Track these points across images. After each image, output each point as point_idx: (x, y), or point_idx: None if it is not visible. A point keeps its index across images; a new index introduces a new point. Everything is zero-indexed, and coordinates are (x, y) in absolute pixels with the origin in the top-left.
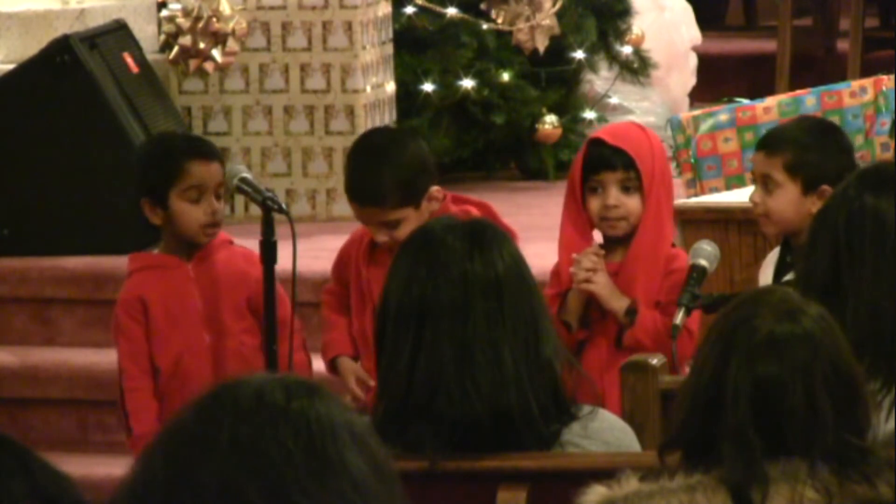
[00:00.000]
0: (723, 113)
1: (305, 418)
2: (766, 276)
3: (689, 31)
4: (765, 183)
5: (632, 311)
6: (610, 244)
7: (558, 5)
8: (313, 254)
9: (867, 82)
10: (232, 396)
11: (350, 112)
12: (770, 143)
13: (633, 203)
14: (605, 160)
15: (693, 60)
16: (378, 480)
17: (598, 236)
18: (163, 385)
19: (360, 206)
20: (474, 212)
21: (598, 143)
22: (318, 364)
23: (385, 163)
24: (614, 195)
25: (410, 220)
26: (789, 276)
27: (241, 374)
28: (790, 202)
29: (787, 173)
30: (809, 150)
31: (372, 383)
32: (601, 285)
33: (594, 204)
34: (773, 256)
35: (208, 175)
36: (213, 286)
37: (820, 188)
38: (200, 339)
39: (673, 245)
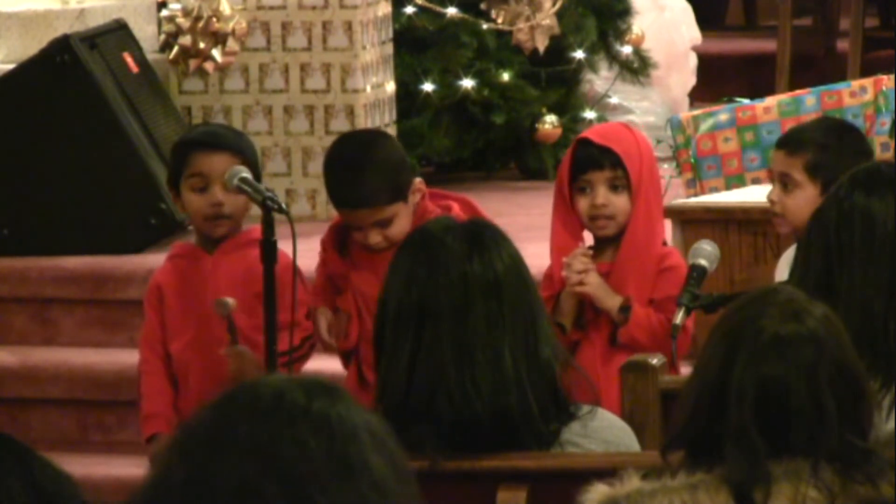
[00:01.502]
0: (723, 113)
1: (326, 419)
2: (781, 275)
3: (689, 31)
4: (783, 182)
5: (626, 308)
6: (600, 244)
7: (558, 5)
8: (313, 254)
9: (867, 82)
10: (250, 396)
11: (350, 112)
12: (791, 142)
13: (621, 202)
14: (593, 160)
15: (693, 60)
16: (397, 481)
17: (588, 237)
18: (173, 373)
19: (351, 210)
20: (455, 206)
21: (585, 143)
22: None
23: (369, 163)
24: (603, 194)
25: (402, 216)
26: None
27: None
28: (808, 202)
29: (807, 173)
30: (830, 151)
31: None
32: (594, 286)
33: (583, 204)
34: (789, 255)
35: (210, 165)
36: (228, 281)
37: None
38: (208, 331)
39: (664, 243)
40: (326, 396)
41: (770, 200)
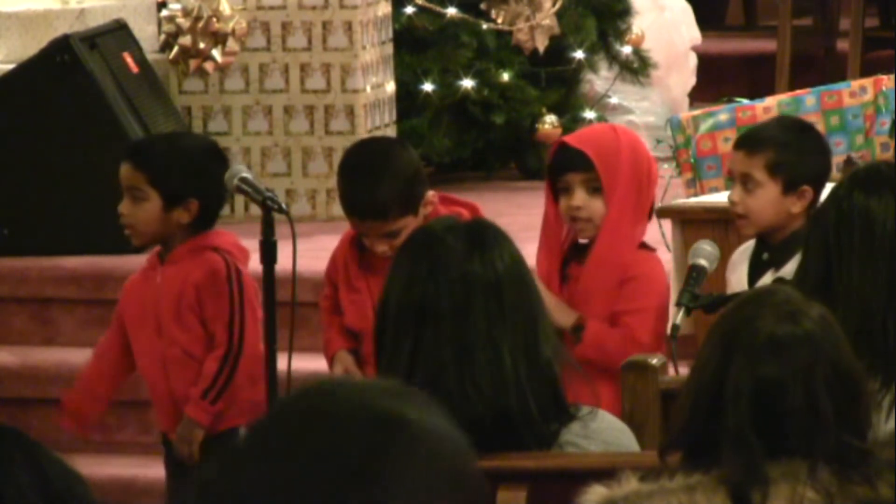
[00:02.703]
0: (723, 113)
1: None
2: (739, 274)
3: (689, 31)
4: (744, 182)
5: (579, 328)
6: (584, 247)
7: (558, 5)
8: (313, 254)
9: (867, 82)
10: (328, 403)
11: (350, 112)
12: (751, 142)
13: (598, 205)
14: (568, 162)
15: (693, 60)
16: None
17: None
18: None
19: (360, 220)
20: (464, 213)
21: (563, 145)
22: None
23: (383, 176)
24: (579, 196)
25: (411, 228)
26: (768, 276)
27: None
28: (770, 202)
29: (768, 173)
30: (790, 149)
31: (359, 375)
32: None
33: (563, 205)
34: (743, 254)
35: (121, 175)
36: (168, 292)
37: (800, 188)
38: (153, 342)
39: (646, 247)
40: (414, 402)
41: (731, 202)
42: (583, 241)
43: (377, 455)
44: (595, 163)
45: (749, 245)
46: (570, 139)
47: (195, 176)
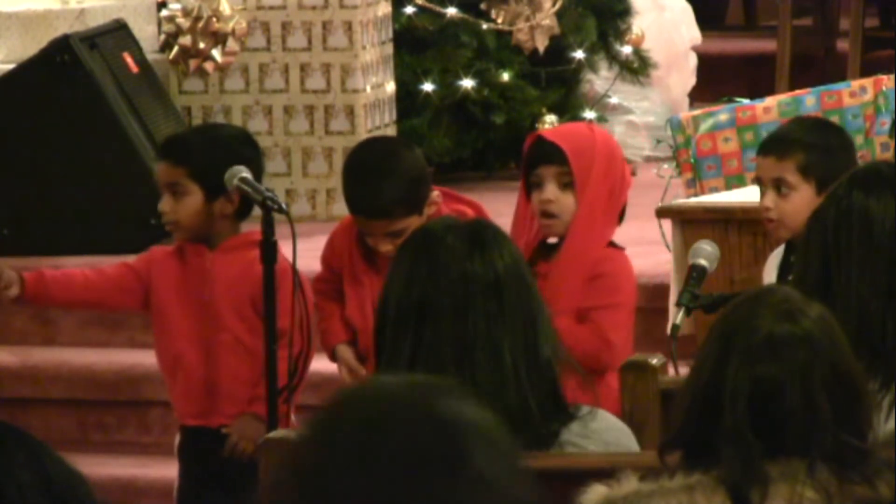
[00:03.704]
0: (723, 113)
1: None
2: (770, 277)
3: (689, 31)
4: (777, 187)
5: None
6: (553, 245)
7: (558, 5)
8: (313, 254)
9: (867, 82)
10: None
11: (350, 112)
12: (779, 146)
13: (568, 200)
14: (542, 154)
15: (693, 60)
16: (508, 479)
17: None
18: (168, 367)
19: (365, 219)
20: (468, 212)
21: (538, 139)
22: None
23: (388, 177)
24: (550, 190)
25: (414, 227)
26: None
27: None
28: (806, 203)
29: (801, 175)
30: (818, 149)
31: (363, 372)
32: None
33: (535, 199)
34: (775, 257)
35: (158, 173)
36: (222, 278)
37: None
38: (192, 325)
39: (614, 245)
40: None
41: (765, 208)
42: (551, 240)
43: (454, 455)
44: (568, 157)
45: (782, 249)
46: (545, 133)
47: (235, 165)
